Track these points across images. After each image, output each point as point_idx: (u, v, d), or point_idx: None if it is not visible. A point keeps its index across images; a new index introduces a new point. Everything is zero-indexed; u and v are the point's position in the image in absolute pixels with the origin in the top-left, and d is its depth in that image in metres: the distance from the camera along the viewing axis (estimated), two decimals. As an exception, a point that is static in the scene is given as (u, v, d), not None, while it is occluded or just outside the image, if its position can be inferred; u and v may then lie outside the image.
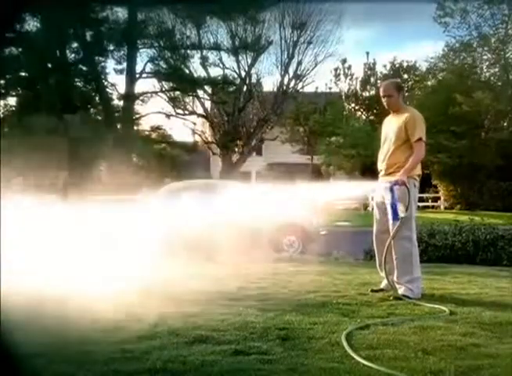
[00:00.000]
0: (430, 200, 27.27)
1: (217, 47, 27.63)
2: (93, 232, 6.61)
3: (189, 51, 26.50)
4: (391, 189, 4.61)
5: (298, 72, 29.89)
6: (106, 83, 24.64)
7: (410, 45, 54.91)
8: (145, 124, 28.69)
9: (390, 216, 4.63)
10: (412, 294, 4.52)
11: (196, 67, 28.28)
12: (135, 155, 27.75)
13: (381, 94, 4.86)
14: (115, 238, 6.65)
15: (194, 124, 31.80)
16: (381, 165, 4.84)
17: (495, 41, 26.51)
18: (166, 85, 28.54)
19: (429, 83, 29.51)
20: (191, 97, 29.94)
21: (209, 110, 30.48)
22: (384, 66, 32.30)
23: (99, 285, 4.87)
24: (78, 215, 6.64)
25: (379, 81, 28.84)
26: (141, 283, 5.08)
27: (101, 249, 6.27)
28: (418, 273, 4.68)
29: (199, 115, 31.06)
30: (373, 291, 4.81)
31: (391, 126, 4.81)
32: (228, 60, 29.30)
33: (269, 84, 49.65)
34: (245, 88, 29.25)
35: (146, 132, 28.81)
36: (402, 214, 4.60)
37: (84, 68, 23.66)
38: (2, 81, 22.25)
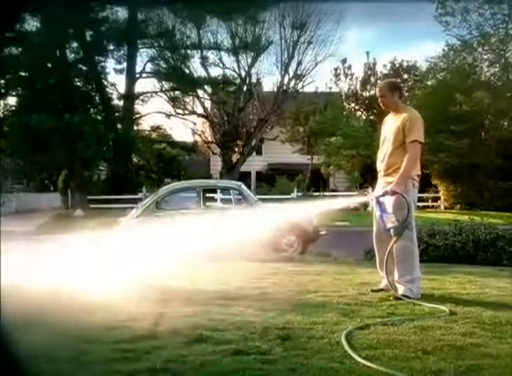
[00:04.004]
0: (430, 200, 27.27)
1: (217, 47, 27.67)
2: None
3: (189, 51, 26.54)
4: (378, 202, 4.65)
5: (298, 72, 29.94)
6: (106, 83, 24.68)
7: (412, 46, 55.06)
8: (145, 124, 28.77)
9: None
10: (412, 294, 4.52)
11: (196, 67, 28.37)
12: (135, 155, 27.80)
13: (377, 95, 4.92)
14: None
15: (194, 124, 31.91)
16: (380, 166, 4.83)
17: (496, 41, 26.51)
18: (166, 85, 28.60)
19: (429, 83, 29.50)
20: (191, 97, 29.99)
21: (209, 110, 30.50)
22: (384, 66, 32.37)
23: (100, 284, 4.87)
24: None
25: (379, 81, 28.84)
26: (141, 282, 5.09)
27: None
28: (418, 273, 4.68)
29: (199, 115, 31.10)
30: (373, 290, 4.80)
31: (389, 126, 4.81)
32: (229, 60, 29.38)
33: (269, 84, 49.87)
34: (245, 88, 29.27)
35: (146, 132, 28.85)
36: (390, 224, 4.62)
37: (84, 68, 23.67)
38: (2, 81, 22.25)
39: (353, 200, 8.52)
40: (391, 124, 4.80)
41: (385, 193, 4.62)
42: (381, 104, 4.88)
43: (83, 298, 4.36)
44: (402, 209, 4.56)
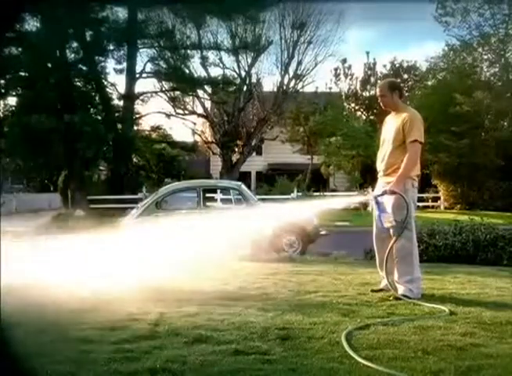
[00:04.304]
0: (430, 200, 27.27)
1: (217, 47, 27.64)
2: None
3: (189, 51, 26.48)
4: (377, 201, 4.69)
5: (298, 72, 29.93)
6: (106, 83, 24.63)
7: (412, 46, 55.08)
8: (145, 124, 28.74)
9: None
10: (412, 294, 4.52)
11: (196, 67, 28.34)
12: (135, 155, 27.76)
13: (377, 94, 4.96)
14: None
15: (194, 124, 31.89)
16: (380, 166, 4.84)
17: (496, 41, 26.52)
18: (166, 85, 28.55)
19: (429, 83, 29.51)
20: (191, 97, 29.96)
21: (209, 110, 30.49)
22: (384, 66, 32.35)
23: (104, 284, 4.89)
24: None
25: (379, 81, 28.84)
26: (141, 282, 5.09)
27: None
28: (418, 273, 4.68)
29: (199, 115, 31.08)
30: (373, 291, 4.81)
31: (390, 126, 4.83)
32: (229, 60, 29.36)
33: (269, 84, 49.91)
34: (245, 88, 29.25)
35: (146, 132, 28.82)
36: (388, 224, 4.64)
37: (84, 68, 23.64)
38: (2, 81, 22.22)
39: (352, 199, 8.60)
40: (391, 124, 4.81)
41: (384, 193, 4.64)
42: (381, 104, 4.90)
43: (81, 296, 4.37)
44: (402, 209, 4.56)
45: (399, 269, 4.63)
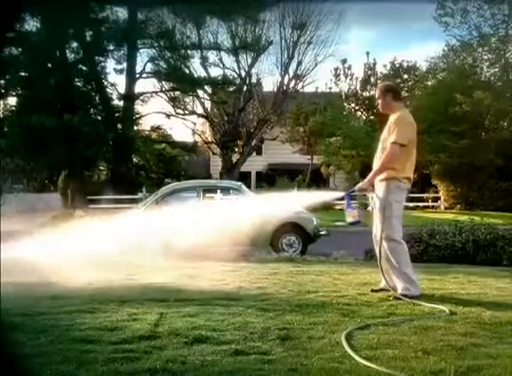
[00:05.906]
0: (430, 200, 27.27)
1: (217, 47, 27.65)
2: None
3: (189, 51, 26.49)
4: (347, 198, 4.94)
5: (298, 72, 29.94)
6: (106, 83, 24.65)
7: (413, 46, 55.02)
8: (145, 124, 28.73)
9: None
10: (410, 292, 4.53)
11: (196, 67, 28.34)
12: (135, 155, 27.77)
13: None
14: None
15: (194, 124, 31.88)
16: (375, 166, 4.92)
17: (496, 41, 26.52)
18: (166, 85, 28.55)
19: (429, 83, 29.48)
20: (191, 97, 29.95)
21: (209, 110, 30.48)
22: (384, 66, 32.29)
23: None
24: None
25: (379, 81, 28.81)
26: (141, 281, 5.10)
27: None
28: (411, 272, 4.67)
29: (199, 115, 31.08)
30: (373, 291, 4.81)
31: (385, 128, 4.93)
32: (229, 60, 29.37)
33: (269, 84, 49.94)
34: (245, 88, 29.25)
35: (146, 132, 28.82)
36: (350, 219, 4.86)
37: (84, 68, 23.65)
38: (2, 81, 22.23)
39: (329, 195, 8.76)
40: (386, 126, 4.91)
41: (353, 191, 4.89)
42: (379, 107, 5.05)
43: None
44: (386, 207, 4.62)
45: (394, 269, 4.66)
